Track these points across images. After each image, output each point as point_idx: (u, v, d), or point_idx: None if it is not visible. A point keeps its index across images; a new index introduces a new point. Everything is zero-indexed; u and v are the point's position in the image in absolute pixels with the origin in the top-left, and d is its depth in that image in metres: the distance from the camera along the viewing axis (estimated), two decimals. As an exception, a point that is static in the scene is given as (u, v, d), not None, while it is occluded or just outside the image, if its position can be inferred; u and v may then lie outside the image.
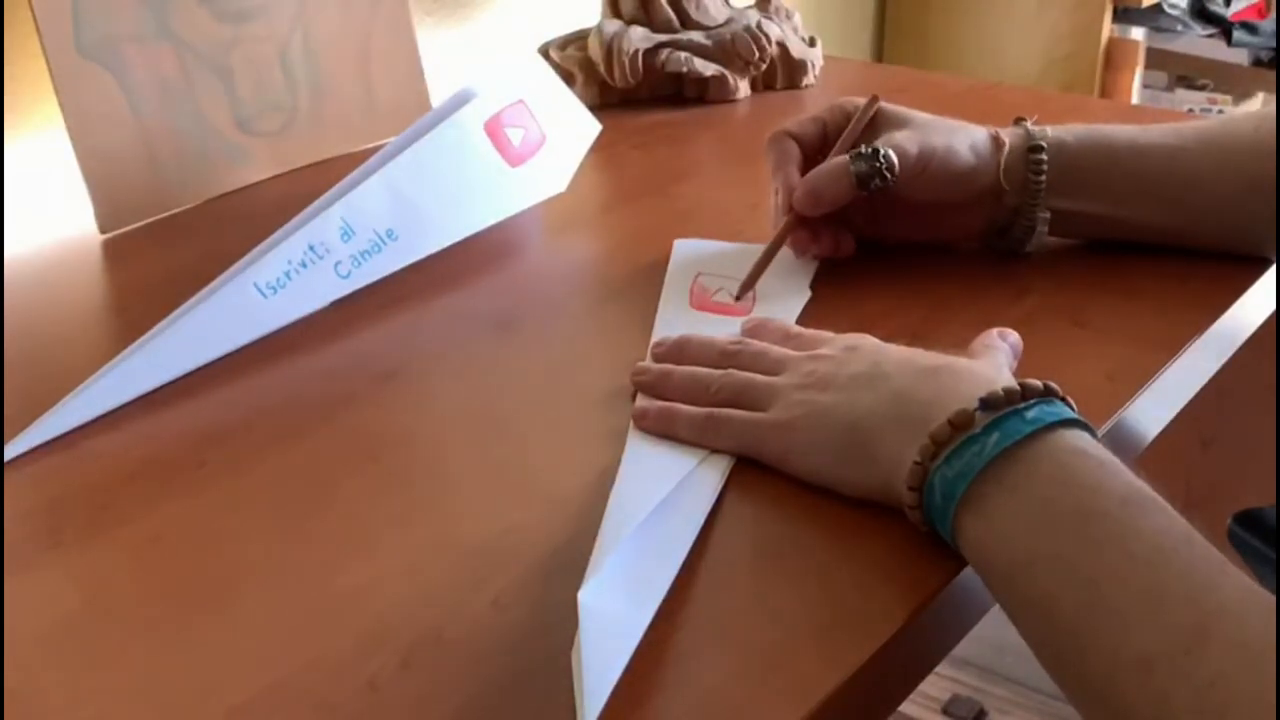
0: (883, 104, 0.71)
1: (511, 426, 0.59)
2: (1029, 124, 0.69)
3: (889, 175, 0.66)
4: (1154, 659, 0.39)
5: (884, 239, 0.72)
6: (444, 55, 1.08)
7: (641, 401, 0.57)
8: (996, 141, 0.68)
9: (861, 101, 0.71)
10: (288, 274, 0.66)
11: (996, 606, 0.46)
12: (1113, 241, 0.71)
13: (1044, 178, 0.67)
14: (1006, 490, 0.45)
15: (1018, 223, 0.69)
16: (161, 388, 0.62)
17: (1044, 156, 0.67)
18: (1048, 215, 0.69)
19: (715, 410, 0.55)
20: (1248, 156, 0.67)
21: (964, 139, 0.68)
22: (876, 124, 0.70)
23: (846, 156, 0.67)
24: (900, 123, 0.69)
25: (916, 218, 0.71)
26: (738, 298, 0.67)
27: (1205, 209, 0.68)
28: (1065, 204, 0.69)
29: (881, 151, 0.66)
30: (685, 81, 1.04)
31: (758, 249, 0.69)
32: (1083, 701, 0.41)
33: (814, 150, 0.71)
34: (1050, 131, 0.68)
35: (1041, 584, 0.43)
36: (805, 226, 0.70)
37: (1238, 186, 0.67)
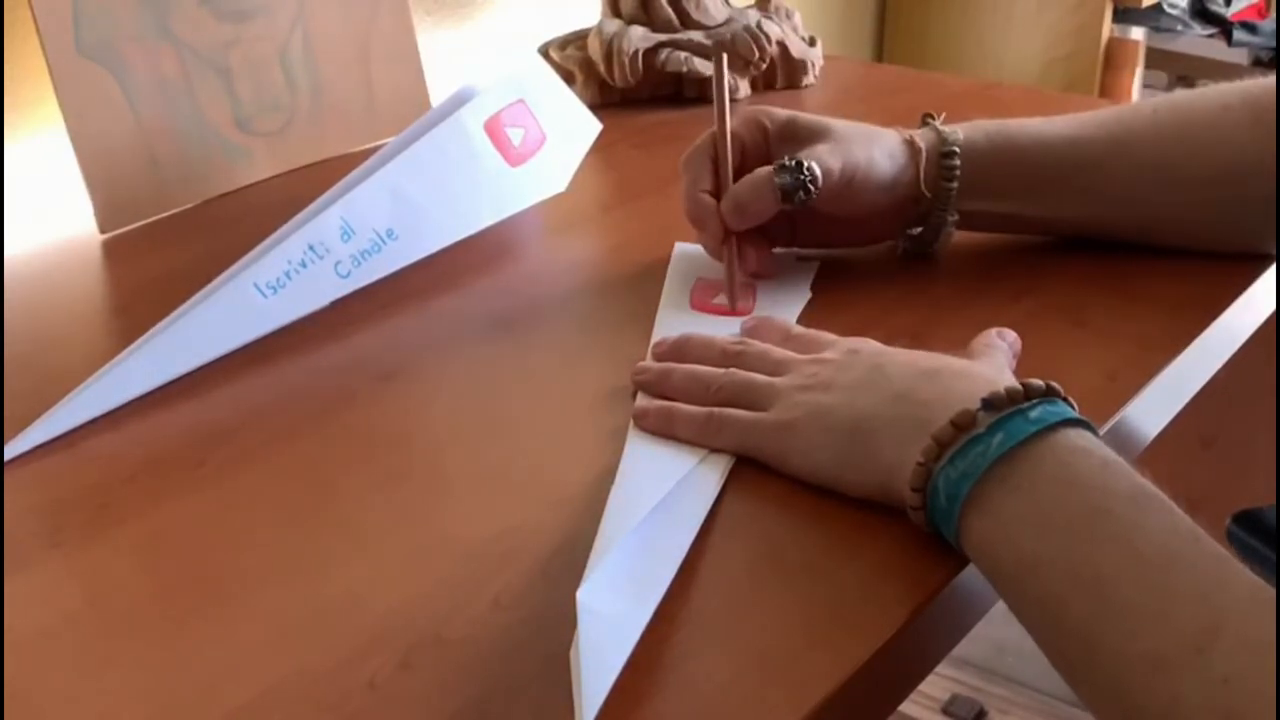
0: (799, 115, 0.68)
1: (511, 426, 0.58)
2: (938, 124, 0.68)
3: (813, 188, 0.64)
4: (1164, 658, 0.38)
5: (801, 248, 0.72)
6: (444, 55, 1.08)
7: (641, 401, 0.57)
8: (912, 147, 0.67)
9: (781, 114, 0.68)
10: (288, 274, 0.65)
11: (996, 606, 0.46)
12: (1021, 234, 0.71)
13: (956, 183, 0.67)
14: (1011, 490, 0.45)
15: (926, 224, 0.69)
16: (161, 388, 0.62)
17: (957, 162, 0.66)
18: (956, 217, 0.68)
19: (715, 410, 0.55)
20: (1146, 142, 0.67)
21: (883, 149, 0.67)
22: (795, 136, 0.68)
23: (770, 169, 0.65)
24: (818, 134, 0.67)
25: (834, 227, 0.70)
26: (731, 307, 0.67)
27: (1111, 198, 0.68)
28: (973, 205, 0.68)
29: (806, 164, 0.64)
30: (685, 81, 1.04)
31: None
32: (1093, 702, 0.41)
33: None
34: (961, 134, 0.67)
35: (1049, 585, 0.42)
36: (739, 241, 0.68)
37: (1141, 174, 0.67)
